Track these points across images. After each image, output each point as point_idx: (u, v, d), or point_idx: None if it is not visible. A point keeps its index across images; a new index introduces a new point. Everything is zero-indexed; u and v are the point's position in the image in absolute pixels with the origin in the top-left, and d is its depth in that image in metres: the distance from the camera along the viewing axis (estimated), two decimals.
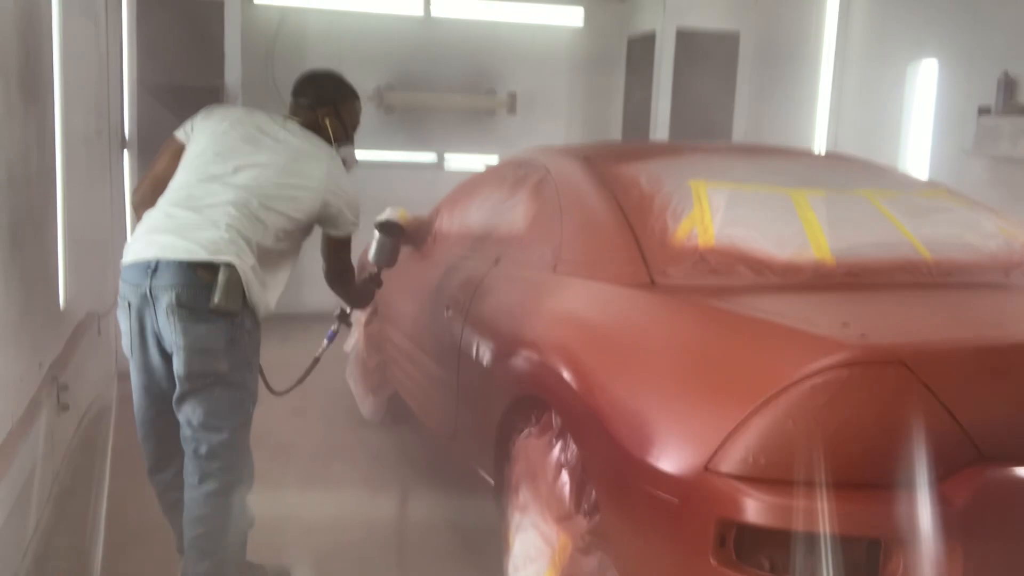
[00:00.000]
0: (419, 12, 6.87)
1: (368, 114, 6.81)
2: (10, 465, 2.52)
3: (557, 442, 2.23)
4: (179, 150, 2.66)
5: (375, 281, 3.29)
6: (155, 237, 2.40)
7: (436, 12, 6.90)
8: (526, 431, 2.41)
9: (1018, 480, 1.70)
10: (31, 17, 2.94)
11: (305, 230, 2.65)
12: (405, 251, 3.62)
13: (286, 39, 6.64)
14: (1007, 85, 4.37)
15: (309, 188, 2.56)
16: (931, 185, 3.16)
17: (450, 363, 3.05)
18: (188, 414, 2.44)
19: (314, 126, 2.75)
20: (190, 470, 2.48)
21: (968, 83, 4.71)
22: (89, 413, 4.02)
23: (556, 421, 2.26)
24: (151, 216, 2.50)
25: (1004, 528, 1.70)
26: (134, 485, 3.55)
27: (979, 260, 2.54)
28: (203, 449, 2.44)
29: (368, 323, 4.37)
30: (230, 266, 2.34)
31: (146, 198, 2.64)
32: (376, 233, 3.45)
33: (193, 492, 2.48)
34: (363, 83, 6.76)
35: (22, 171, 2.77)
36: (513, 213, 3.12)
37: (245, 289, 2.38)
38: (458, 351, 2.97)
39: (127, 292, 2.43)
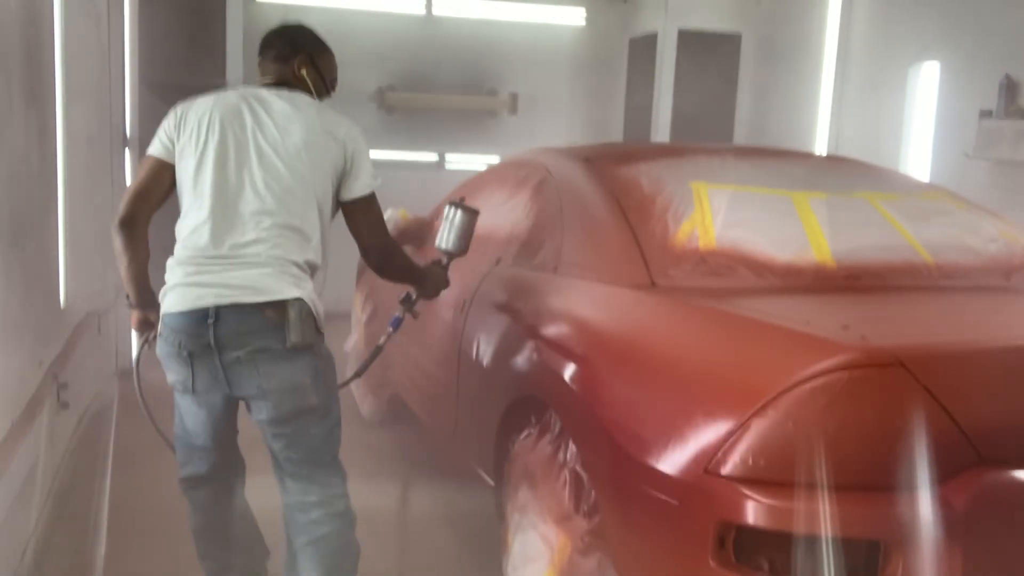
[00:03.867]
0: (420, 11, 6.87)
1: (369, 114, 6.88)
2: (10, 463, 2.52)
3: (556, 443, 2.23)
4: (161, 167, 2.35)
5: (443, 269, 2.80)
6: (203, 279, 2.21)
7: (437, 11, 6.90)
8: (526, 432, 2.41)
9: (1017, 483, 1.70)
10: (33, 15, 2.94)
11: (333, 202, 2.39)
12: (405, 251, 3.55)
13: None
14: (1008, 88, 4.37)
15: (315, 149, 2.31)
16: (932, 188, 3.16)
17: (450, 363, 3.05)
18: (286, 453, 2.35)
19: (290, 80, 2.45)
20: (307, 500, 2.38)
21: (969, 86, 4.71)
22: (89, 411, 4.02)
23: (556, 422, 2.26)
24: (185, 256, 2.27)
25: (1003, 531, 1.70)
26: (135, 483, 3.55)
27: (980, 263, 2.54)
28: (315, 482, 2.37)
29: (368, 323, 4.37)
30: (298, 300, 2.21)
31: (136, 218, 2.34)
32: (448, 211, 2.86)
33: (314, 514, 2.38)
34: (364, 83, 6.78)
35: (23, 170, 2.77)
36: (514, 214, 3.12)
37: (316, 317, 2.27)
38: (458, 351, 2.97)
39: (185, 341, 2.23)
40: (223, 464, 2.47)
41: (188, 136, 2.31)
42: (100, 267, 4.40)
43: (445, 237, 2.81)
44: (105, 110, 4.57)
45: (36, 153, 2.97)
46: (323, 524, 2.38)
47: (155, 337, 2.40)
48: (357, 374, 2.84)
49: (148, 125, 5.22)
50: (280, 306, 2.20)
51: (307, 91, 2.45)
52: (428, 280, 2.73)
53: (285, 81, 2.45)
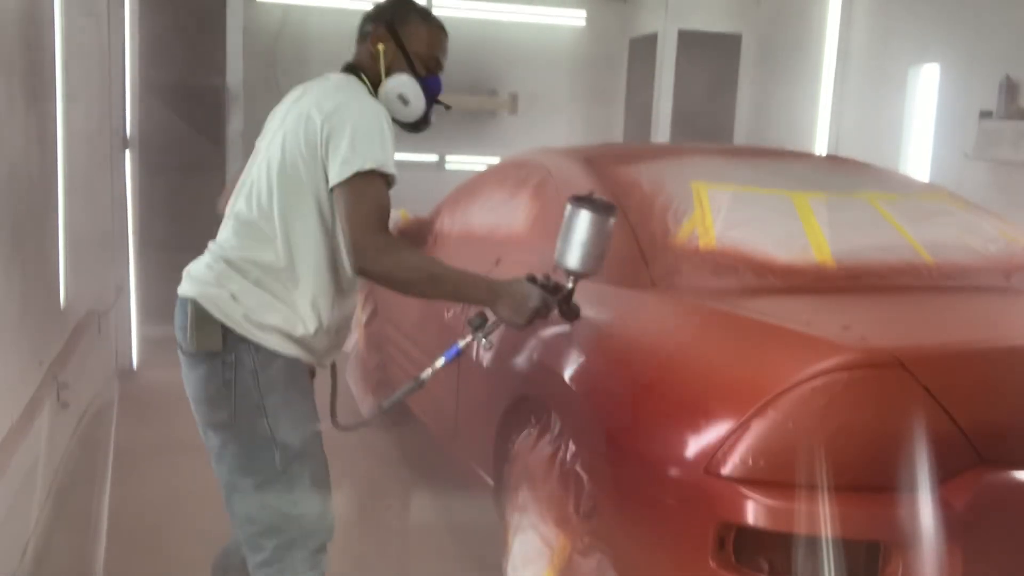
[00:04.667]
0: None
1: None
2: (10, 462, 2.53)
3: (556, 443, 2.23)
4: None
5: (551, 289, 2.03)
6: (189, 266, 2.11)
7: (438, 11, 6.88)
8: (526, 432, 2.41)
9: (1017, 483, 1.71)
10: (33, 15, 2.94)
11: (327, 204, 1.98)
12: (414, 251, 3.24)
13: (288, 38, 6.64)
14: (1008, 89, 4.37)
15: (290, 136, 1.98)
16: (932, 188, 3.16)
17: (450, 364, 3.05)
18: (217, 470, 2.08)
19: (363, 60, 2.12)
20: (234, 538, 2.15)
21: (969, 87, 4.71)
22: (89, 411, 4.02)
23: (555, 422, 2.26)
24: None
25: (1003, 531, 1.70)
26: (135, 483, 3.55)
27: (979, 264, 2.54)
28: (235, 513, 2.05)
29: (368, 323, 4.37)
30: (193, 301, 1.97)
31: None
32: (570, 211, 2.02)
33: (227, 549, 2.20)
34: None
35: (23, 170, 2.77)
36: (514, 214, 3.12)
37: (225, 322, 1.95)
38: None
39: None
40: None
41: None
42: (101, 267, 4.40)
43: (566, 250, 2.01)
44: (105, 110, 4.57)
45: (36, 153, 2.97)
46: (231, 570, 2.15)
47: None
48: (383, 410, 2.20)
49: (148, 125, 5.24)
50: (185, 303, 2.00)
51: (377, 73, 2.09)
52: (507, 298, 1.99)
53: (355, 64, 2.13)
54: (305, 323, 2.00)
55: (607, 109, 7.50)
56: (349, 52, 2.21)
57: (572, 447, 2.16)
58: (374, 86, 2.10)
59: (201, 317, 1.96)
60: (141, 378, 4.92)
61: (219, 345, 1.96)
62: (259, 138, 2.17)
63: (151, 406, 4.30)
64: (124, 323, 4.93)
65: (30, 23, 2.87)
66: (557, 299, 2.03)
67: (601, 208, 2.00)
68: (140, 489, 3.51)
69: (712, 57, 6.86)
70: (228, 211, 2.11)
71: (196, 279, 2.02)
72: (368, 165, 1.89)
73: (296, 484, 2.02)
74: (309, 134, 1.95)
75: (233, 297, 1.96)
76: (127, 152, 5.06)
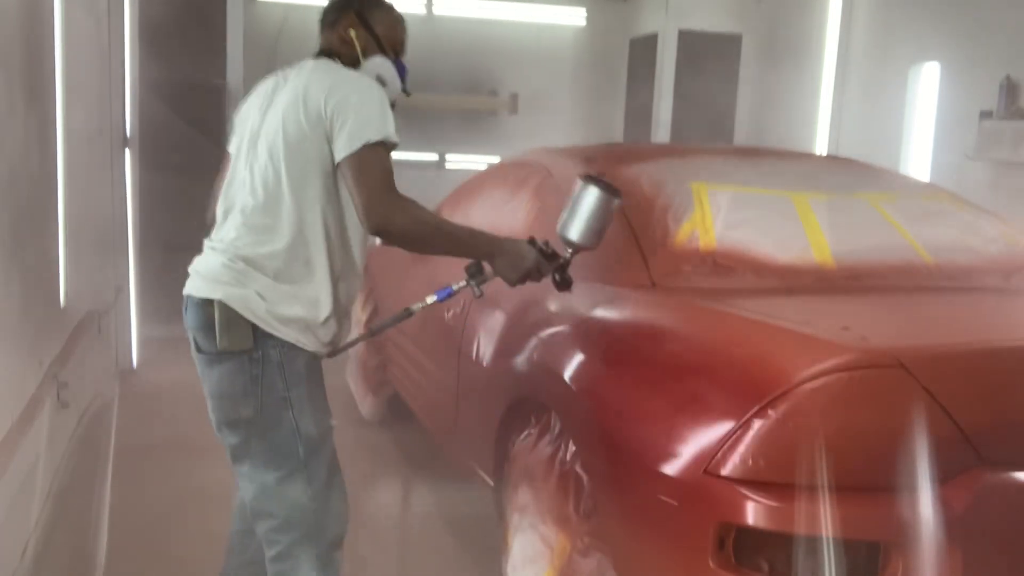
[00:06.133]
0: (421, 11, 6.87)
1: None
2: (10, 462, 2.52)
3: (556, 443, 2.23)
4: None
5: (548, 256, 2.12)
6: (193, 265, 2.14)
7: (438, 11, 6.91)
8: (525, 432, 2.41)
9: (1017, 483, 1.71)
10: (33, 14, 2.94)
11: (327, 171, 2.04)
12: (406, 251, 3.32)
13: (289, 37, 6.64)
14: (1009, 89, 4.37)
15: (292, 118, 2.02)
16: (932, 189, 3.16)
17: (450, 363, 3.05)
18: (234, 469, 2.14)
19: (335, 46, 2.20)
20: (257, 532, 2.16)
21: (970, 87, 4.71)
22: (89, 411, 4.02)
23: (555, 422, 2.26)
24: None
25: (1003, 531, 1.70)
26: (135, 483, 3.56)
27: (980, 264, 2.54)
28: (254, 509, 2.11)
29: (368, 323, 4.37)
30: (221, 303, 2.00)
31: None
32: (580, 188, 2.12)
33: (264, 555, 2.17)
34: None
35: (23, 169, 2.77)
36: (514, 214, 3.12)
37: (253, 320, 2.01)
38: (458, 352, 2.97)
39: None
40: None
41: (236, 127, 2.24)
42: (101, 266, 4.40)
43: (569, 222, 2.11)
44: (105, 110, 4.57)
45: (36, 153, 2.97)
46: (265, 570, 2.15)
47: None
48: (372, 333, 2.30)
49: (148, 124, 5.24)
50: (210, 305, 2.03)
51: (351, 57, 2.17)
52: (506, 255, 2.09)
53: (327, 50, 2.20)
54: (323, 307, 2.07)
55: (607, 109, 7.50)
56: None
57: (572, 447, 2.16)
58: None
59: (230, 318, 2.00)
60: (141, 378, 4.93)
61: (250, 343, 2.01)
62: (234, 139, 2.20)
63: (151, 406, 4.31)
64: (124, 323, 4.93)
65: (30, 23, 2.87)
66: (553, 266, 2.12)
67: (609, 188, 2.09)
68: (140, 489, 3.51)
69: (712, 57, 6.86)
70: (219, 212, 2.14)
71: (214, 279, 2.04)
72: (376, 136, 1.97)
73: (315, 477, 2.09)
74: (311, 112, 2.00)
75: (259, 295, 2.02)
76: (127, 151, 5.06)
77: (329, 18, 2.23)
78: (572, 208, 2.11)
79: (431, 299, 2.17)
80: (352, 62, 2.17)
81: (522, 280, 2.11)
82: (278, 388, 2.05)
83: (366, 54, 2.18)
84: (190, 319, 2.08)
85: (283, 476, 2.07)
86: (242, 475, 2.12)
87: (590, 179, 2.10)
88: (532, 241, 2.13)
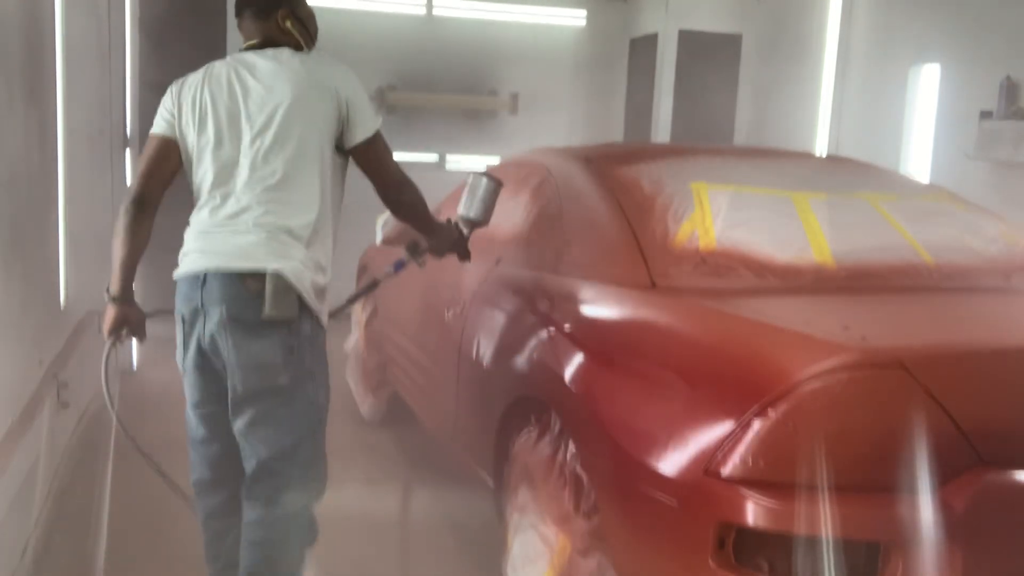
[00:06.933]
0: (421, 11, 6.87)
1: None
2: (10, 462, 2.53)
3: (556, 443, 2.23)
4: (165, 144, 2.35)
5: (461, 233, 2.73)
6: (204, 245, 2.24)
7: (438, 11, 6.90)
8: (525, 432, 2.41)
9: (1017, 484, 1.71)
10: (33, 14, 2.94)
11: (341, 160, 2.37)
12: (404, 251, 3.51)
13: None
14: (1009, 89, 4.37)
15: (306, 104, 2.26)
16: (932, 189, 3.16)
17: (450, 363, 3.05)
18: (247, 433, 2.27)
19: (275, 36, 2.38)
20: (253, 492, 2.29)
21: (970, 87, 4.71)
22: (89, 411, 4.02)
23: (555, 422, 2.26)
24: (194, 231, 2.30)
25: (1003, 532, 1.70)
26: (135, 483, 3.55)
27: (980, 264, 2.54)
28: (266, 470, 2.27)
29: (368, 323, 4.37)
30: (277, 274, 2.16)
31: (148, 197, 2.33)
32: (472, 179, 2.80)
33: (255, 514, 2.30)
34: (365, 83, 6.73)
35: (23, 169, 2.77)
36: (514, 214, 3.12)
37: (300, 293, 2.19)
38: (458, 351, 2.97)
39: (180, 306, 2.27)
40: (228, 465, 2.37)
41: (187, 115, 2.33)
42: (101, 266, 4.40)
43: (468, 204, 2.73)
44: (105, 110, 4.57)
45: (36, 153, 2.98)
46: (268, 528, 2.28)
47: (127, 335, 2.38)
48: (350, 302, 2.86)
49: (148, 124, 5.21)
50: (260, 277, 2.16)
51: (294, 45, 2.38)
52: (442, 234, 2.67)
53: (269, 39, 2.37)
54: (328, 272, 2.32)
55: (607, 109, 7.49)
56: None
57: (572, 447, 2.16)
58: None
59: (281, 288, 2.16)
60: (141, 378, 4.93)
61: (295, 313, 2.19)
62: (189, 125, 2.31)
63: (151, 406, 4.30)
64: None
65: (30, 23, 2.87)
66: (463, 242, 2.72)
67: (495, 179, 2.73)
68: (140, 489, 3.51)
69: (712, 57, 6.86)
70: (207, 193, 2.27)
71: (261, 253, 2.17)
72: (380, 122, 2.41)
73: (320, 442, 2.36)
74: (326, 96, 2.27)
75: (303, 264, 2.21)
76: (127, 151, 5.06)
77: (259, 9, 2.39)
78: (470, 195, 2.73)
79: (389, 269, 2.80)
80: (294, 47, 2.38)
81: (446, 253, 2.71)
82: (306, 361, 2.26)
83: (307, 44, 2.42)
84: (215, 293, 2.18)
85: (298, 441, 2.28)
86: (255, 439, 2.26)
87: (481, 174, 2.75)
88: (449, 221, 2.72)
